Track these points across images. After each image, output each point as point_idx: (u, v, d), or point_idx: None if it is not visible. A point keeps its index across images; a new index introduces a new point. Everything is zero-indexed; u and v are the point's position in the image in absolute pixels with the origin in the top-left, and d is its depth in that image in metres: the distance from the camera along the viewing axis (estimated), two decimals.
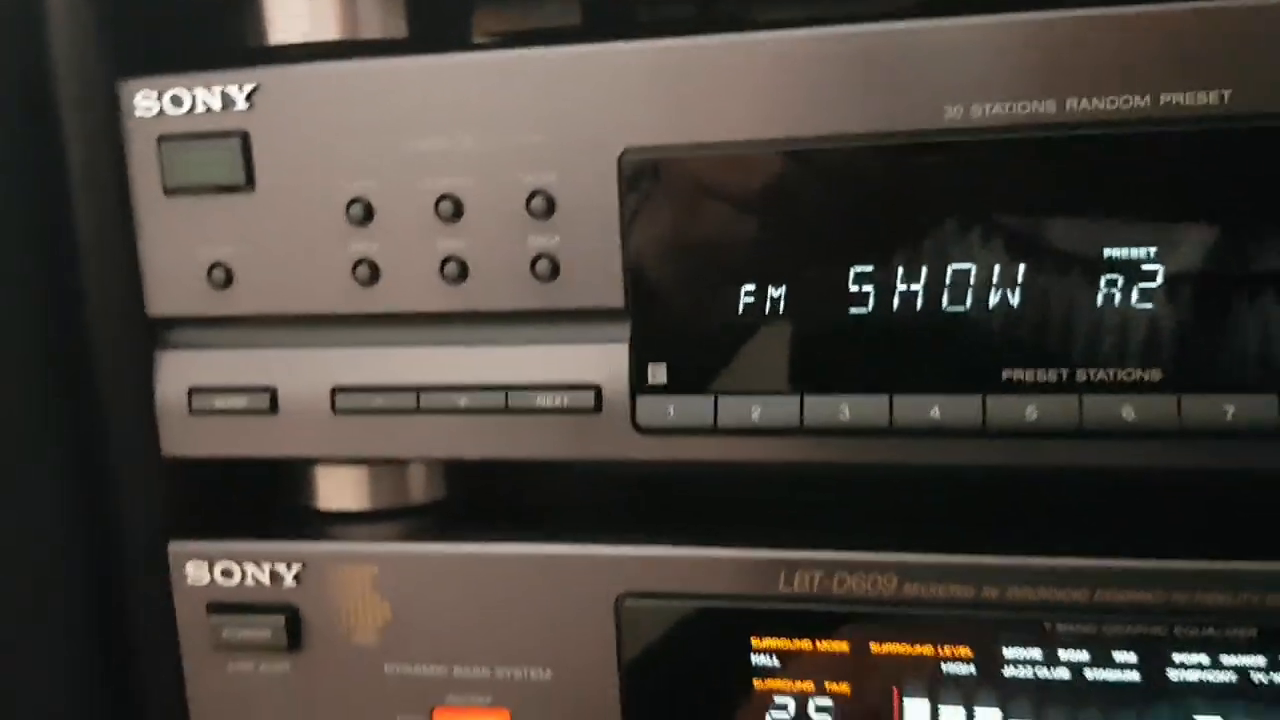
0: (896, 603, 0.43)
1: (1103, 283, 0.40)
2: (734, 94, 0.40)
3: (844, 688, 0.44)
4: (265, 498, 0.52)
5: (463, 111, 0.42)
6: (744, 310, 0.42)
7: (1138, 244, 0.39)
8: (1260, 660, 0.41)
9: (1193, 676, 0.41)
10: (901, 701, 0.43)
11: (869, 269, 0.41)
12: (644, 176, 0.41)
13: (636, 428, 0.43)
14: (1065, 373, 0.40)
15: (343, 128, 0.43)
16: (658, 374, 0.43)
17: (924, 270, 0.41)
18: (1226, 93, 0.38)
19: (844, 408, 0.41)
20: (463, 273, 0.43)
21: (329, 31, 0.45)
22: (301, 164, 0.44)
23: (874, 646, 0.43)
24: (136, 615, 0.49)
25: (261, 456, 0.47)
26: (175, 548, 0.48)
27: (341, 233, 0.44)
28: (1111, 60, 0.38)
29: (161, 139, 0.45)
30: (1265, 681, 0.40)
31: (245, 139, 0.44)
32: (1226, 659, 0.41)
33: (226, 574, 0.48)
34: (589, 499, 0.51)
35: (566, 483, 0.53)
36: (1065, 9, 0.38)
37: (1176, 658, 0.41)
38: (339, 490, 0.50)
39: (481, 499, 0.52)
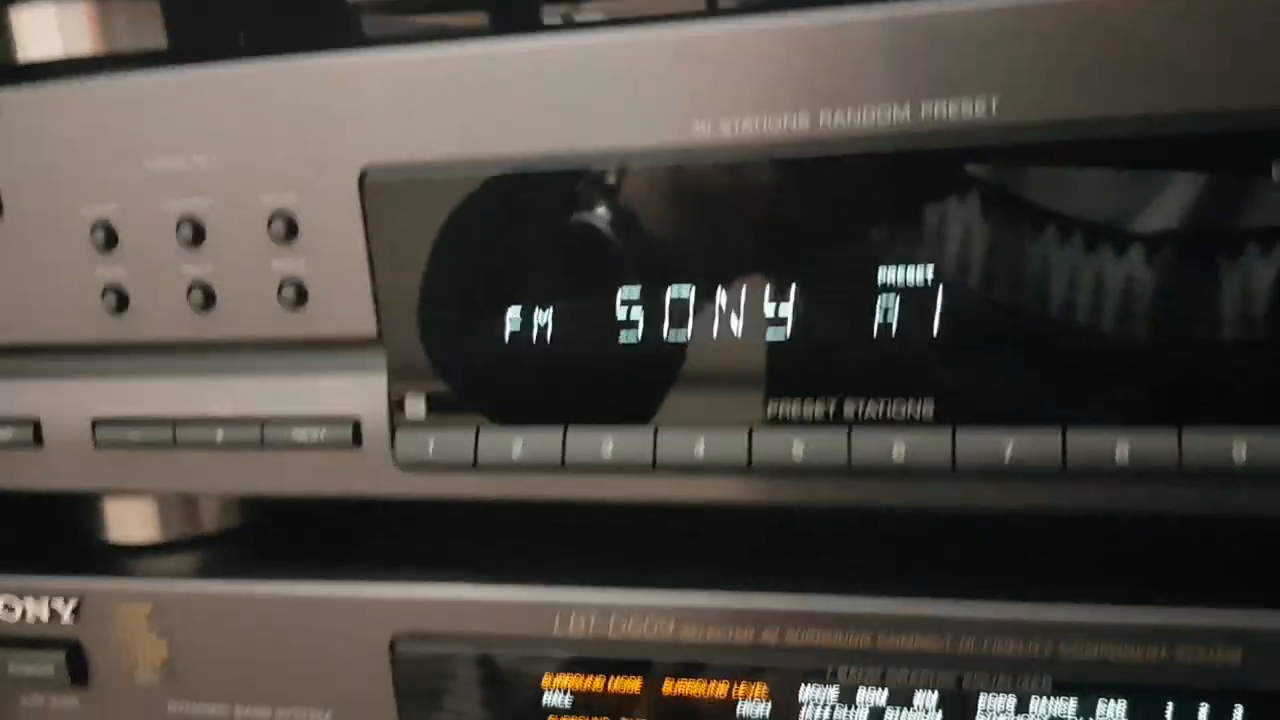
0: (675, 646, 0.40)
1: (876, 308, 0.36)
2: (478, 106, 0.37)
3: None
4: (61, 528, 0.50)
5: (199, 128, 0.39)
6: (504, 339, 0.39)
7: (909, 263, 0.36)
8: (1069, 709, 0.38)
9: None
10: None
11: (634, 294, 0.38)
12: (387, 196, 0.39)
13: (397, 463, 0.41)
14: (833, 406, 0.37)
15: (83, 148, 0.41)
16: (416, 407, 0.40)
17: (690, 296, 0.38)
18: (994, 99, 0.34)
19: (607, 442, 0.39)
20: (208, 300, 0.41)
21: (82, 47, 0.43)
22: (44, 186, 0.41)
23: (667, 687, 0.41)
24: None
25: (29, 490, 0.45)
26: None
27: (87, 258, 0.41)
28: (867, 67, 0.34)
29: None
30: None
31: None
32: (1035, 705, 0.38)
33: (7, 608, 0.46)
34: (393, 522, 0.49)
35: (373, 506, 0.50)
36: (819, 9, 0.35)
37: (981, 702, 0.38)
38: (125, 521, 0.48)
39: (280, 526, 0.49)
